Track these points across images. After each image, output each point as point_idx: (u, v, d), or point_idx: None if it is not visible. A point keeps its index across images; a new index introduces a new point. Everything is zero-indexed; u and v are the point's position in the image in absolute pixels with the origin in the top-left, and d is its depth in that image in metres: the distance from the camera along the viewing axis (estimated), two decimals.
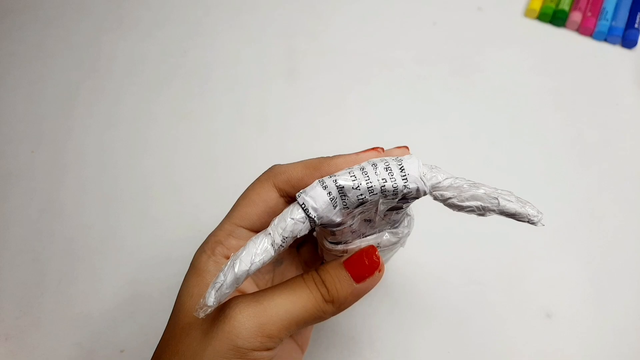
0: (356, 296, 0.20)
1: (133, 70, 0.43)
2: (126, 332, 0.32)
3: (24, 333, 0.32)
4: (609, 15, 0.43)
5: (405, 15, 0.45)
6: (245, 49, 0.44)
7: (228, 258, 0.21)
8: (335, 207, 0.19)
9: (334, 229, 0.20)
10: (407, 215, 0.22)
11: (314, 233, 0.25)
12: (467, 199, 0.19)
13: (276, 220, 0.19)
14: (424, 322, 0.32)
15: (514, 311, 0.32)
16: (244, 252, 0.18)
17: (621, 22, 0.42)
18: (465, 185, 0.19)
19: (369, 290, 0.20)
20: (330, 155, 0.21)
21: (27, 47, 0.45)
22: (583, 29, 0.43)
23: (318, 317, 0.20)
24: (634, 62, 0.42)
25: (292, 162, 0.22)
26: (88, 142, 0.40)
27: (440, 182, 0.19)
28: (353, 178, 0.19)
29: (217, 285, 0.18)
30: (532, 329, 0.31)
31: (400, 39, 0.44)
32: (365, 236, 0.21)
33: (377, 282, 0.20)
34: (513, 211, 0.19)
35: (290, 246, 0.26)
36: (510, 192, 0.20)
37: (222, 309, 0.20)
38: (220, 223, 0.22)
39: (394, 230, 0.22)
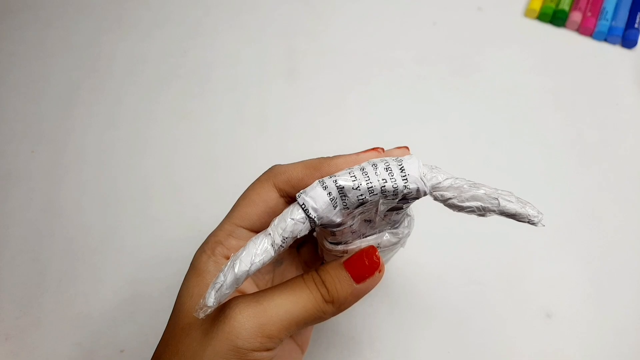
0: (356, 296, 0.20)
1: (133, 70, 0.44)
2: (126, 332, 0.32)
3: (24, 333, 0.32)
4: (609, 15, 0.43)
5: (405, 15, 0.45)
6: (246, 49, 0.44)
7: (228, 258, 0.21)
8: (335, 207, 0.19)
9: (334, 229, 0.20)
10: (407, 215, 0.22)
11: (314, 233, 0.26)
12: (467, 200, 0.19)
13: (276, 221, 0.19)
14: (424, 322, 0.32)
15: (514, 311, 0.32)
16: (244, 253, 0.18)
17: (621, 22, 0.42)
18: (465, 186, 0.19)
19: (369, 291, 0.20)
20: (331, 156, 0.21)
21: (27, 47, 0.45)
22: (583, 29, 0.43)
23: (318, 317, 0.20)
24: (634, 62, 0.42)
25: (292, 162, 0.22)
26: (88, 142, 0.40)
27: (440, 183, 0.19)
28: (353, 178, 0.19)
29: (217, 286, 0.18)
30: (532, 329, 0.31)
31: (400, 39, 0.44)
32: (366, 236, 0.22)
33: (378, 283, 0.20)
34: (513, 212, 0.19)
35: (291, 246, 0.26)
36: (510, 192, 0.20)
37: (222, 309, 0.20)
38: (221, 223, 0.23)
39: (394, 230, 0.22)
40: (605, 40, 0.43)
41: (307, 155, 0.22)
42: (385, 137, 0.38)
